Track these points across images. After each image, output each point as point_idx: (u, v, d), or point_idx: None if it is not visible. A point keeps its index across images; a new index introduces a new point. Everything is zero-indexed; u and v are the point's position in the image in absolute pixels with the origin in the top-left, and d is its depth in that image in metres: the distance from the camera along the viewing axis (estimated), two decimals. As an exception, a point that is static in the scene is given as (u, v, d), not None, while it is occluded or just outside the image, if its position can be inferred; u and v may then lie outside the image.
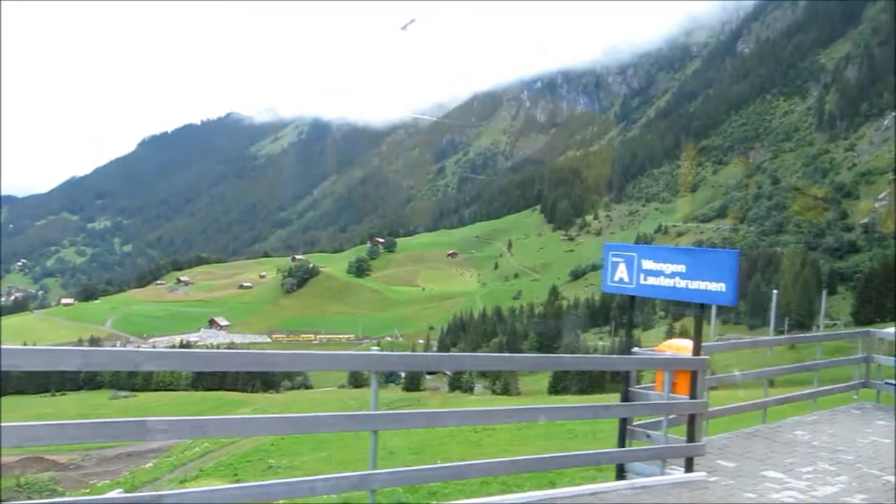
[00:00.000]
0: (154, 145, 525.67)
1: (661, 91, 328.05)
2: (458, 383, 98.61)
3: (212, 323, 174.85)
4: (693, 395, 7.57)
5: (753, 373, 11.29)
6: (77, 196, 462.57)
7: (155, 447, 55.66)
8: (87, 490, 35.69)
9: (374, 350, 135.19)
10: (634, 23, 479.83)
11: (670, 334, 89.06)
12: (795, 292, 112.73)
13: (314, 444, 30.94)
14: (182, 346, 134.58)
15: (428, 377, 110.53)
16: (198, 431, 5.42)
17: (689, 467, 7.69)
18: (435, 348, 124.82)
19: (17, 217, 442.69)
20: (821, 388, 12.13)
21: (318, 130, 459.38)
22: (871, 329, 13.95)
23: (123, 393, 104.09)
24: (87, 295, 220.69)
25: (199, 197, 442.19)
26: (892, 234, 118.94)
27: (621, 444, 7.60)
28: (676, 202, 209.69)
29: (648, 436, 7.63)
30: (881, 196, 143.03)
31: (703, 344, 7.99)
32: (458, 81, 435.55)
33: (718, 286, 7.16)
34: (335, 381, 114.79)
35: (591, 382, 78.36)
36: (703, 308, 7.74)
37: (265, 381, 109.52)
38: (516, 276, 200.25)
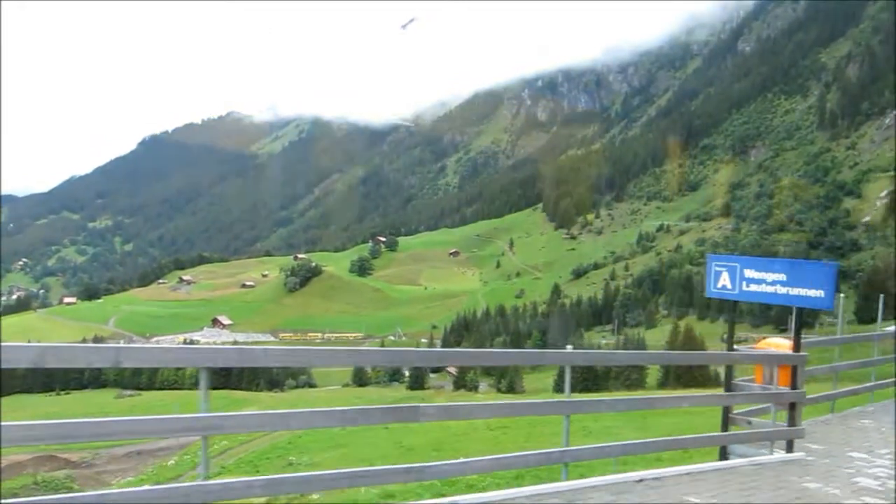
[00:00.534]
0: (154, 145, 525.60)
1: (662, 90, 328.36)
2: (463, 382, 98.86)
3: (215, 322, 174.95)
4: (794, 386, 8.63)
5: (825, 368, 12.13)
6: (78, 195, 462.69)
7: (163, 445, 56.18)
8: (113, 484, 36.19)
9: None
10: (635, 21, 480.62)
11: (675, 333, 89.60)
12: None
13: (329, 441, 31.37)
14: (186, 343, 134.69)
15: (432, 375, 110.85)
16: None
17: (789, 448, 8.61)
18: (439, 347, 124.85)
19: (18, 216, 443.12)
20: (878, 382, 13.31)
21: (319, 129, 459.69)
22: None
23: (129, 392, 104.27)
24: (90, 294, 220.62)
25: (199, 196, 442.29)
26: (894, 232, 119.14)
27: (724, 429, 8.54)
28: (678, 201, 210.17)
29: (749, 422, 8.60)
30: (882, 195, 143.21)
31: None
32: (458, 80, 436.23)
33: (817, 293, 7.95)
34: (338, 379, 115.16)
35: (596, 381, 78.92)
36: (801, 312, 8.66)
37: (269, 380, 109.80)
38: (518, 274, 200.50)
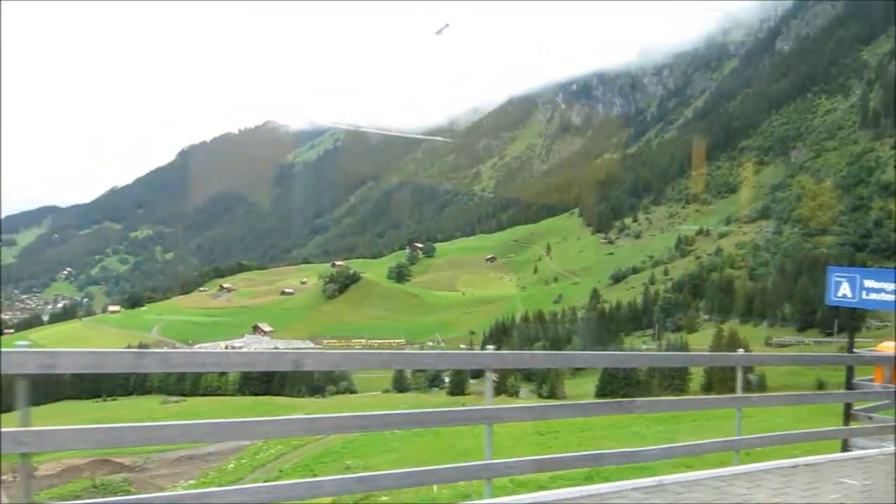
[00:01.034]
0: (193, 155, 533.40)
1: (699, 91, 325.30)
2: (504, 387, 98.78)
3: (255, 329, 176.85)
4: None
5: None
6: (119, 206, 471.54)
7: (211, 450, 57.08)
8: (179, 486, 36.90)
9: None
10: (670, 23, 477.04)
11: (718, 337, 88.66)
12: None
13: (382, 445, 31.69)
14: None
15: (472, 381, 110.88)
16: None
17: None
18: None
19: (62, 226, 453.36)
20: None
21: (354, 137, 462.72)
22: None
23: (174, 398, 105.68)
24: (133, 302, 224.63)
25: (236, 205, 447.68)
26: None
27: (845, 424, 9.09)
28: (717, 203, 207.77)
29: (870, 417, 9.07)
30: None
31: None
32: (492, 86, 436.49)
33: None
34: (378, 385, 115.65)
35: (640, 386, 78.47)
36: None
37: (311, 386, 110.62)
38: (556, 279, 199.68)
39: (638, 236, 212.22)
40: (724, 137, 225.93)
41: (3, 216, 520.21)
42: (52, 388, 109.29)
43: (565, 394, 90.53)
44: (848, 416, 9.11)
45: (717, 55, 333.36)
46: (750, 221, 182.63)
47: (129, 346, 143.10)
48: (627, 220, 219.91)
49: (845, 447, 9.05)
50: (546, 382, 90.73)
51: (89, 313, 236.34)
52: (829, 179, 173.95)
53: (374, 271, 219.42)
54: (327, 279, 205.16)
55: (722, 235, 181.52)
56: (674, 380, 78.67)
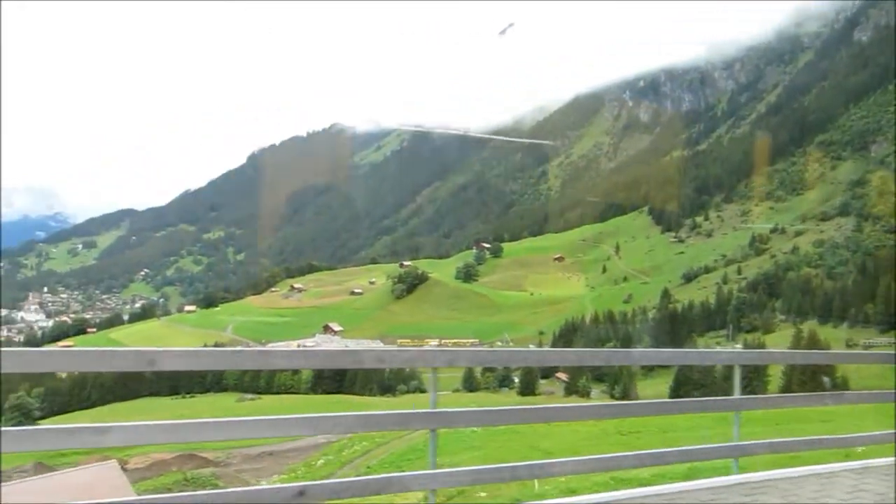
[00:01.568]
0: (263, 158, 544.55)
1: (771, 85, 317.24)
2: (575, 388, 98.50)
3: (326, 328, 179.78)
4: None
5: None
6: (192, 208, 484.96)
7: (290, 447, 58.63)
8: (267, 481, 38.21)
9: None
10: (740, 15, 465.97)
11: (797, 338, 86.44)
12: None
13: (463, 443, 32.15)
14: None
15: (542, 381, 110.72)
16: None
17: None
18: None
19: (139, 229, 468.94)
20: None
21: (420, 138, 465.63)
22: None
23: (249, 395, 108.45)
24: (208, 302, 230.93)
25: (305, 206, 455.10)
26: None
27: None
28: (792, 200, 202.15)
29: None
30: None
31: None
32: (558, 84, 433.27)
33: None
34: (447, 385, 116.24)
35: (715, 386, 77.07)
36: None
37: (381, 385, 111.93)
38: (625, 279, 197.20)
39: (709, 235, 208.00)
40: (799, 132, 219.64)
41: (84, 219, 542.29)
42: (133, 386, 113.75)
43: (637, 395, 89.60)
44: None
45: (790, 48, 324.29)
46: (827, 219, 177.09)
47: (204, 345, 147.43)
48: (698, 219, 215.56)
49: None
50: (618, 383, 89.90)
51: (166, 313, 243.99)
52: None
53: (441, 271, 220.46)
54: (396, 279, 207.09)
55: (798, 233, 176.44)
56: (751, 381, 76.86)
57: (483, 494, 16.33)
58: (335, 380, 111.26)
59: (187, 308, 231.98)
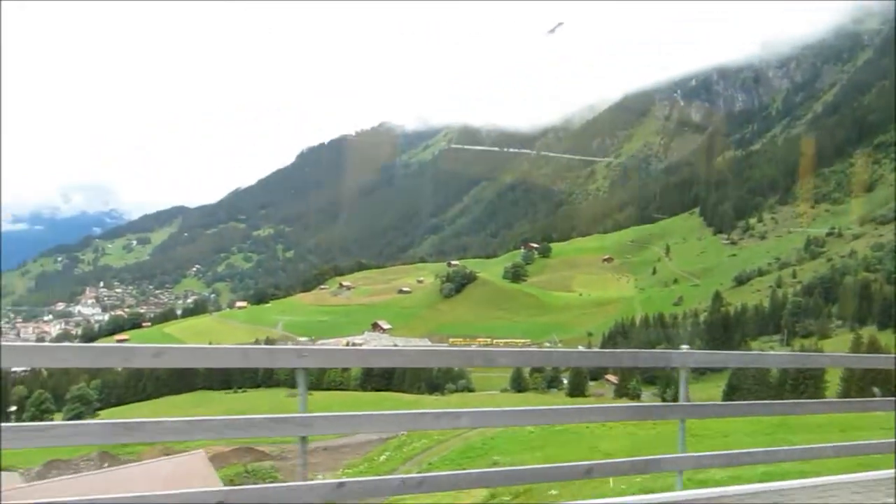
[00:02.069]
0: (312, 156, 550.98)
1: (828, 84, 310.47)
2: (625, 390, 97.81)
3: (375, 326, 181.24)
4: None
5: None
6: (242, 206, 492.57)
7: (344, 442, 59.41)
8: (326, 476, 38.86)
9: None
10: (795, 13, 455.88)
11: (856, 343, 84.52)
12: None
13: (523, 444, 32.39)
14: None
15: (591, 383, 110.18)
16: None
17: None
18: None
19: (191, 226, 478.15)
20: None
21: (468, 137, 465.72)
22: None
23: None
24: (259, 298, 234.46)
25: (353, 205, 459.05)
26: None
27: None
28: (849, 203, 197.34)
29: None
30: None
31: None
32: (607, 83, 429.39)
33: None
34: (496, 384, 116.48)
35: (771, 389, 75.98)
36: None
37: (430, 384, 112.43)
38: (675, 281, 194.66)
39: (763, 237, 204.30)
40: (858, 133, 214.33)
41: (138, 216, 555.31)
42: (188, 379, 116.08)
43: (689, 398, 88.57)
44: None
45: (848, 45, 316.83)
46: (886, 222, 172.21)
47: (256, 341, 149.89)
48: (751, 221, 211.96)
49: None
50: (670, 386, 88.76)
51: (217, 308, 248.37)
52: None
53: (489, 271, 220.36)
54: (444, 278, 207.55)
55: (856, 237, 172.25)
56: (807, 386, 75.43)
57: (554, 492, 16.54)
58: (384, 377, 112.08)
59: (238, 304, 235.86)
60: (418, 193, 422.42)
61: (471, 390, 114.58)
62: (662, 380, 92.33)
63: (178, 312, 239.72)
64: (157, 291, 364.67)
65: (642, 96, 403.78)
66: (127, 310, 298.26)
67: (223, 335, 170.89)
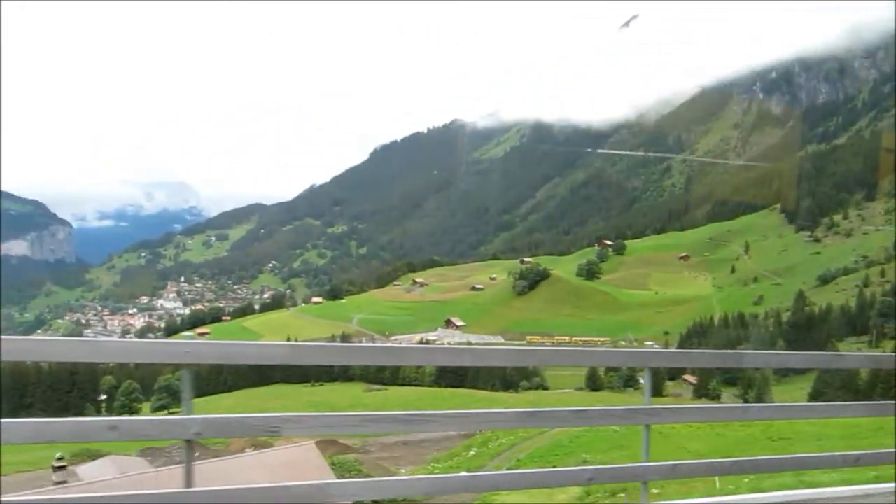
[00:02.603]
0: (384, 154, 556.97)
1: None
2: (705, 391, 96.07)
3: (448, 323, 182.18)
4: None
5: None
6: (317, 203, 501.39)
7: (423, 437, 60.02)
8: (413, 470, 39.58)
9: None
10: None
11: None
12: None
13: (609, 442, 32.37)
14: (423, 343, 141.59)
15: (669, 383, 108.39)
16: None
17: None
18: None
19: (267, 222, 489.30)
20: None
21: (540, 133, 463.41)
22: None
23: (377, 386, 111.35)
24: (334, 294, 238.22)
25: (425, 201, 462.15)
26: None
27: None
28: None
29: None
30: None
31: None
32: (683, 76, 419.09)
33: None
34: (570, 383, 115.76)
35: (859, 393, 73.51)
36: None
37: (504, 381, 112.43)
38: (755, 279, 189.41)
39: (849, 234, 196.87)
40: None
41: (216, 213, 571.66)
42: (266, 372, 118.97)
43: (772, 399, 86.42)
44: None
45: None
46: None
47: (332, 336, 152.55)
48: (836, 217, 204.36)
49: None
50: (752, 387, 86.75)
51: (294, 304, 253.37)
52: None
53: (562, 268, 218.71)
54: (517, 275, 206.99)
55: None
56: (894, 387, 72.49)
57: (656, 491, 16.57)
58: (458, 374, 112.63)
59: (314, 299, 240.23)
60: (490, 190, 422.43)
61: (545, 388, 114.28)
62: (744, 381, 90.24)
63: (256, 307, 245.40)
64: (235, 286, 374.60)
65: (720, 90, 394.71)
66: (206, 304, 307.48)
67: (300, 330, 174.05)
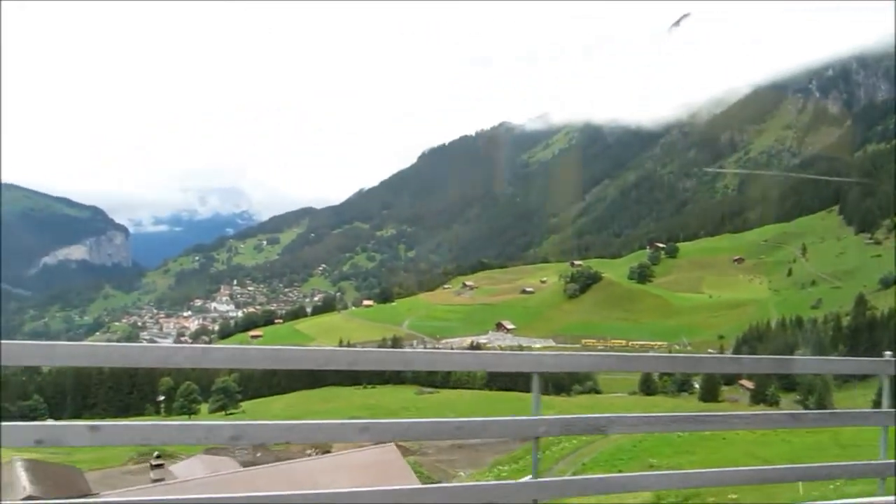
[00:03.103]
0: (433, 157, 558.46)
1: None
2: (763, 396, 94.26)
3: (499, 326, 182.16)
4: None
5: None
6: (366, 206, 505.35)
7: (478, 441, 60.09)
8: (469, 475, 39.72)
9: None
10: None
11: None
12: None
13: (675, 447, 32.07)
14: (473, 347, 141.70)
15: (724, 388, 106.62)
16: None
17: None
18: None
19: (317, 226, 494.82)
20: None
21: (589, 135, 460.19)
22: None
23: (428, 389, 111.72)
24: (384, 297, 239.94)
25: (474, 204, 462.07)
26: None
27: None
28: None
29: None
30: None
31: None
32: (736, 75, 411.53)
33: None
34: (624, 387, 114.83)
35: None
36: None
37: (556, 385, 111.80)
38: (813, 283, 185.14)
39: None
40: None
41: (267, 217, 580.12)
42: (318, 374, 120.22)
43: (833, 405, 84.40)
44: None
45: None
46: None
47: (383, 339, 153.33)
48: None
49: None
50: (812, 393, 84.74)
51: (344, 307, 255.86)
52: None
53: (613, 271, 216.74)
54: (568, 279, 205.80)
55: None
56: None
57: (734, 496, 16.49)
58: (510, 377, 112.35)
59: (365, 302, 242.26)
60: (539, 192, 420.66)
61: (598, 392, 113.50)
62: (803, 386, 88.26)
63: (308, 310, 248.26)
64: (286, 290, 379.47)
65: (774, 88, 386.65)
66: (259, 307, 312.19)
67: (352, 332, 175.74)
